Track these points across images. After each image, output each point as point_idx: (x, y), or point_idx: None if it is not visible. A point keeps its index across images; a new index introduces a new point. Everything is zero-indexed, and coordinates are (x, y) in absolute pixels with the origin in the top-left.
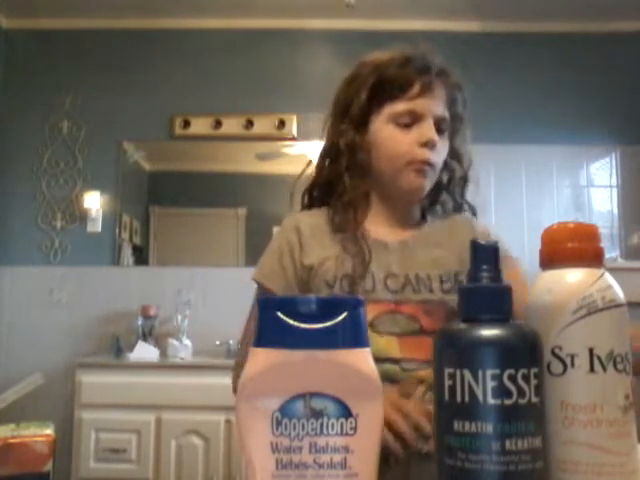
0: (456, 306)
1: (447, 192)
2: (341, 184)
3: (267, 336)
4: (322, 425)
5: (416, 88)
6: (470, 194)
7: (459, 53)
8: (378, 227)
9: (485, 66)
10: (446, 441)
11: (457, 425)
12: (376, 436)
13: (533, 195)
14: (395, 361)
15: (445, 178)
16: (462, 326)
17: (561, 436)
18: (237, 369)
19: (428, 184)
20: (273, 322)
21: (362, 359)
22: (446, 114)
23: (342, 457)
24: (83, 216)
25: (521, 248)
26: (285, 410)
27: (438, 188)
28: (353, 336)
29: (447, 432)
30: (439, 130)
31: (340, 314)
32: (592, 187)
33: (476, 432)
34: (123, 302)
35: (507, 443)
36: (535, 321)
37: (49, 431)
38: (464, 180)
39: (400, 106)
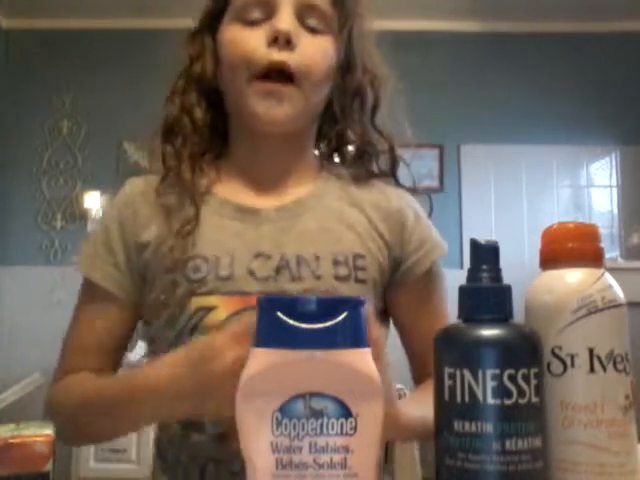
0: None
1: (344, 122)
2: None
3: (267, 336)
4: (322, 425)
5: None
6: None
7: (459, 53)
8: (244, 188)
9: (485, 66)
10: (446, 441)
11: (457, 425)
12: (376, 436)
13: (533, 195)
14: None
15: (338, 100)
16: (462, 326)
17: (561, 436)
18: (53, 392)
19: (288, 109)
20: (273, 322)
21: (362, 359)
22: (321, 1)
23: (342, 457)
24: (83, 216)
25: (521, 248)
26: (285, 410)
27: (333, 121)
28: (353, 336)
29: (447, 432)
30: (309, 27)
31: (340, 314)
32: (592, 187)
33: (476, 432)
34: None
35: (507, 443)
36: (535, 321)
37: (49, 431)
38: (369, 101)
39: None
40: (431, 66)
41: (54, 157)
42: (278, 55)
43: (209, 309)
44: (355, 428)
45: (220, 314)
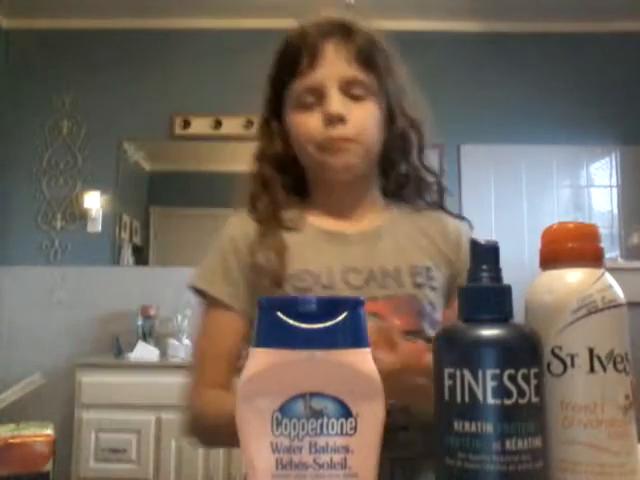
0: (428, 302)
1: (397, 163)
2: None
3: (267, 336)
4: (322, 425)
5: (304, 60)
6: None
7: (459, 53)
8: (331, 219)
9: (485, 66)
10: (446, 441)
11: (457, 425)
12: (376, 436)
13: (533, 195)
14: None
15: (391, 146)
16: (462, 326)
17: (561, 436)
18: (199, 406)
19: (355, 160)
20: (273, 322)
21: (362, 359)
22: (358, 73)
23: (342, 457)
24: (83, 216)
25: (521, 248)
26: (285, 410)
27: (389, 163)
28: (353, 336)
29: (447, 432)
30: (353, 96)
31: (340, 314)
32: (592, 187)
33: (476, 432)
34: (123, 302)
35: (507, 443)
36: (535, 321)
37: (49, 431)
38: (414, 143)
39: (296, 86)
40: (431, 66)
41: (54, 157)
42: (335, 132)
43: None
44: (355, 428)
45: None
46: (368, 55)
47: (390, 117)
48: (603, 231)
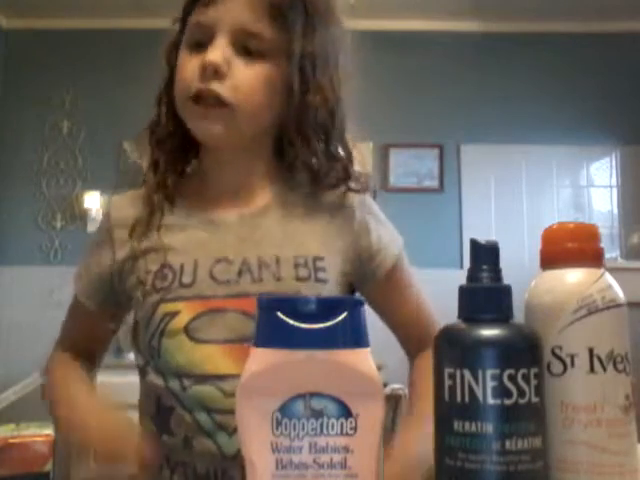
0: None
1: (293, 145)
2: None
3: (267, 336)
4: (322, 425)
5: None
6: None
7: (459, 53)
8: (208, 200)
9: (485, 66)
10: (446, 441)
11: (457, 425)
12: (376, 436)
13: (533, 195)
14: (218, 378)
15: (291, 121)
16: (462, 326)
17: (561, 436)
18: (50, 360)
19: (224, 131)
20: (273, 322)
21: (362, 359)
22: (261, 26)
23: (342, 457)
24: (83, 216)
25: (521, 248)
26: (285, 410)
27: (286, 143)
28: (353, 336)
29: (447, 432)
30: (247, 51)
31: (340, 314)
32: (592, 187)
33: (476, 432)
34: None
35: (507, 443)
36: (535, 321)
37: (49, 431)
38: (322, 126)
39: (192, 18)
40: (431, 66)
41: (54, 157)
42: (205, 85)
43: (174, 314)
44: (355, 428)
45: (183, 318)
46: (283, 7)
47: (300, 89)
48: (603, 231)
